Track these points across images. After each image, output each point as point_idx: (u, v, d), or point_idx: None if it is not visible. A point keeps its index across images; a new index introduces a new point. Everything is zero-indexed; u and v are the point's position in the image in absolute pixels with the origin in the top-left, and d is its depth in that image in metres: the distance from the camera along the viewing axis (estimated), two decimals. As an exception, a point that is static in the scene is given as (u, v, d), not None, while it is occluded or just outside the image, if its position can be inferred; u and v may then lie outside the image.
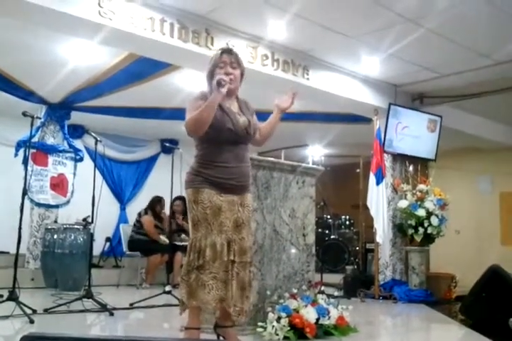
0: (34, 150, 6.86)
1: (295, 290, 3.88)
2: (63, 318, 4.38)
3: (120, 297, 6.11)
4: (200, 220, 3.03)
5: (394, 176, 7.22)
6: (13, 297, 4.24)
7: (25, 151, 6.76)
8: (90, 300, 4.78)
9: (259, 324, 3.57)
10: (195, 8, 4.94)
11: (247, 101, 3.35)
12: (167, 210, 7.57)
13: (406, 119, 7.00)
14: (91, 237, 5.63)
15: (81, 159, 7.57)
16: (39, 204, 7.14)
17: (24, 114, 4.61)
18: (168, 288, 5.45)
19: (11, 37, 5.25)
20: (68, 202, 7.37)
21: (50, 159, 7.25)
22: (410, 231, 6.72)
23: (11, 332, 3.85)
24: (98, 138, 5.32)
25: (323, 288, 5.43)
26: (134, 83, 6.49)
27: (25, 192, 4.64)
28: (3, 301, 4.29)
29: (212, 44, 5.18)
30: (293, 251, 4.11)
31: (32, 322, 3.97)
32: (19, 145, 6.90)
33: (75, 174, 7.45)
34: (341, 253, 9.00)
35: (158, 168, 9.17)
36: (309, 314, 3.61)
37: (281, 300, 3.74)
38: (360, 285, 6.76)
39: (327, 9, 4.89)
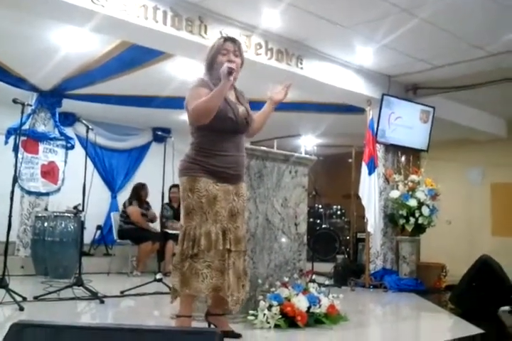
0: (25, 138, 6.78)
1: (286, 279, 3.89)
2: (53, 306, 4.37)
3: (111, 285, 6.10)
4: (194, 209, 3.01)
5: (386, 166, 7.24)
6: (2, 284, 4.22)
7: (15, 139, 6.73)
8: (81, 287, 4.76)
9: (251, 312, 3.58)
10: (189, -5, 4.89)
11: (242, 90, 3.33)
12: (158, 197, 7.53)
13: (399, 110, 7.01)
14: (81, 225, 5.61)
15: (72, 147, 7.51)
16: (29, 192, 7.10)
17: (15, 101, 4.56)
18: (159, 276, 5.45)
19: (1, 24, 5.18)
20: (59, 189, 7.32)
21: (41, 147, 7.19)
22: (401, 221, 6.75)
23: (0, 320, 3.84)
24: (89, 126, 5.26)
25: (314, 276, 5.49)
26: (126, 71, 6.43)
27: (15, 180, 4.62)
28: (-7, 288, 4.27)
29: (205, 32, 5.13)
30: (284, 240, 4.12)
31: (22, 309, 3.97)
32: (9, 133, 6.85)
33: (65, 162, 7.40)
34: (332, 242, 9.06)
35: (150, 157, 9.14)
36: (300, 302, 3.63)
37: (273, 289, 3.75)
38: (350, 274, 6.79)
39: (322, -2, 4.86)
